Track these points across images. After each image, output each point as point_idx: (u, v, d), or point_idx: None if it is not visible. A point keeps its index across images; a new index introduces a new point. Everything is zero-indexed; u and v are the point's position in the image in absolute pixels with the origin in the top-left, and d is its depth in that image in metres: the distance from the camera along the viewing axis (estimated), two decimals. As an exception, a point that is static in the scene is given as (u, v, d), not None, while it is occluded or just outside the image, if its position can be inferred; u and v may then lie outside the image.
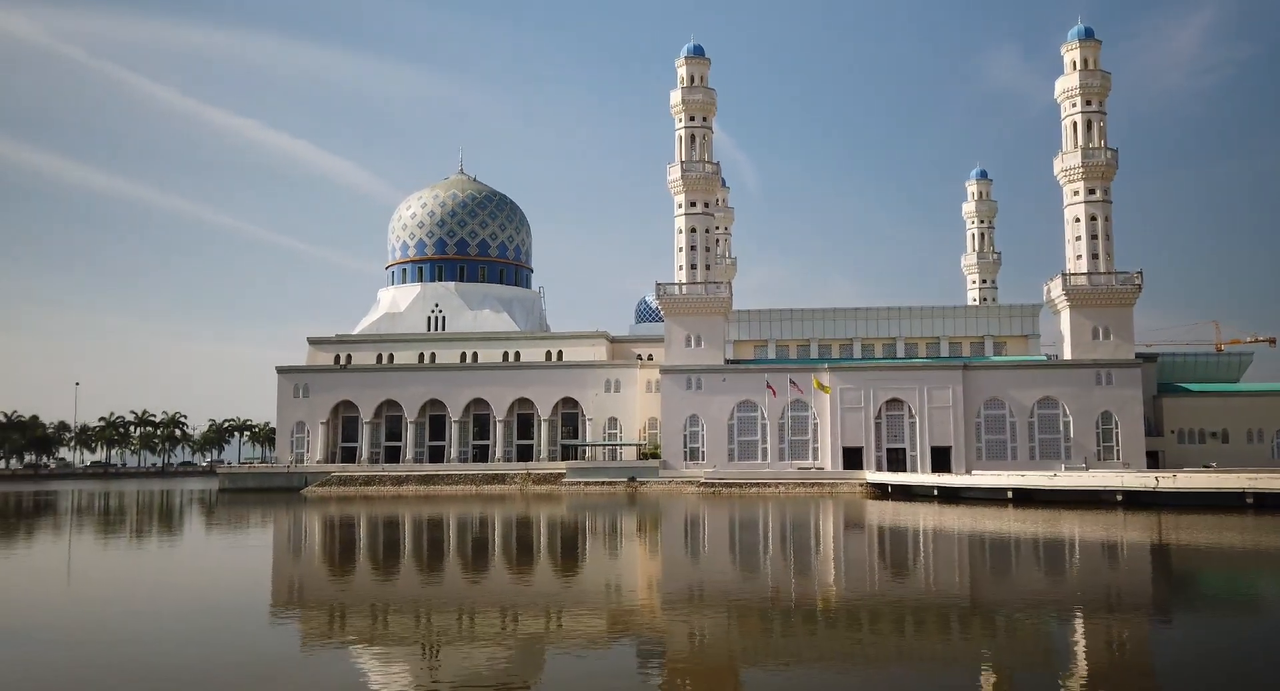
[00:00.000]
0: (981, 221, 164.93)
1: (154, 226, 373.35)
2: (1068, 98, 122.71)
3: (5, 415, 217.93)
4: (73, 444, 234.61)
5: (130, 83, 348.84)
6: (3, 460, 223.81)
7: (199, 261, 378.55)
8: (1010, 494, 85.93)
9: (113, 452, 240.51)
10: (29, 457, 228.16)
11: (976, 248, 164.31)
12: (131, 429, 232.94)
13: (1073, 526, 61.18)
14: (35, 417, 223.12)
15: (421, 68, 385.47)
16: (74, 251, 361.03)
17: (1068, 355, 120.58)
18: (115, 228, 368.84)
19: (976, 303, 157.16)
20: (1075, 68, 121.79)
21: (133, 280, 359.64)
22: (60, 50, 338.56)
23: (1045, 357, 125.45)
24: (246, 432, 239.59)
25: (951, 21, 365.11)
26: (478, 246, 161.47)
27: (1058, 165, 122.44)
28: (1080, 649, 25.18)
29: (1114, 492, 78.74)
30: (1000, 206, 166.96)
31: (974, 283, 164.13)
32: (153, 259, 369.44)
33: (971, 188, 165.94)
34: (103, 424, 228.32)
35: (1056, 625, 28.61)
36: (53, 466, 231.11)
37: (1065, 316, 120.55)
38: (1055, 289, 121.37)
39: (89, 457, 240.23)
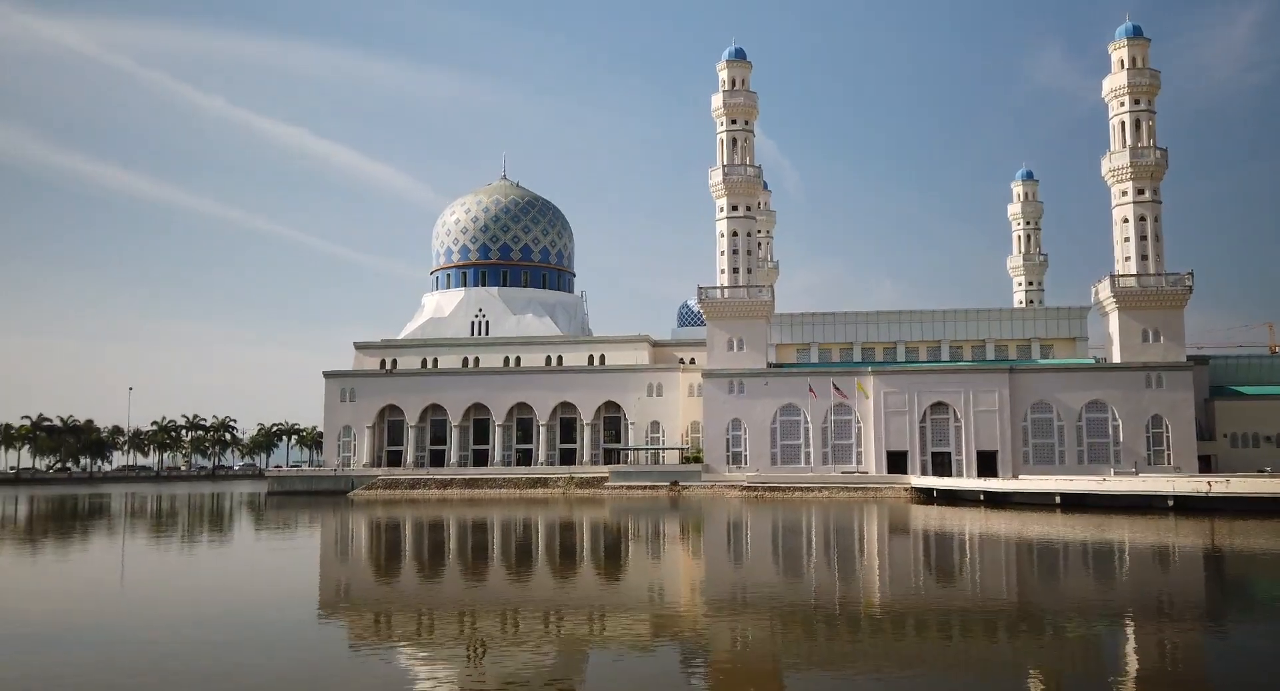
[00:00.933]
0: (1027, 223, 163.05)
1: (203, 233, 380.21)
2: (1115, 97, 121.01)
3: (61, 419, 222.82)
4: (126, 448, 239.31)
5: (180, 92, 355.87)
6: (59, 462, 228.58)
7: (248, 268, 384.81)
8: (1058, 498, 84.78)
9: (164, 456, 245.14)
10: (84, 461, 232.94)
11: (1022, 249, 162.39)
12: (183, 433, 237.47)
13: (1122, 531, 60.29)
14: (90, 422, 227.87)
15: (465, 74, 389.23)
16: (125, 258, 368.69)
17: (1117, 358, 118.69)
18: (165, 235, 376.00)
19: (1023, 305, 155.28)
20: (1123, 66, 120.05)
21: (183, 287, 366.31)
22: (110, 61, 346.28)
23: (1093, 360, 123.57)
24: (294, 436, 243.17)
25: (995, 20, 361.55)
26: (520, 251, 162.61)
27: (1105, 165, 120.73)
28: (1131, 656, 24.85)
29: (1165, 497, 77.42)
30: (1046, 207, 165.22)
31: (1020, 284, 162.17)
32: (203, 266, 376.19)
33: (1017, 189, 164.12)
34: (155, 428, 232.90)
35: (1106, 632, 28.25)
36: (107, 469, 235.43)
37: (1114, 318, 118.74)
38: (1104, 290, 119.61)
39: (141, 461, 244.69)
